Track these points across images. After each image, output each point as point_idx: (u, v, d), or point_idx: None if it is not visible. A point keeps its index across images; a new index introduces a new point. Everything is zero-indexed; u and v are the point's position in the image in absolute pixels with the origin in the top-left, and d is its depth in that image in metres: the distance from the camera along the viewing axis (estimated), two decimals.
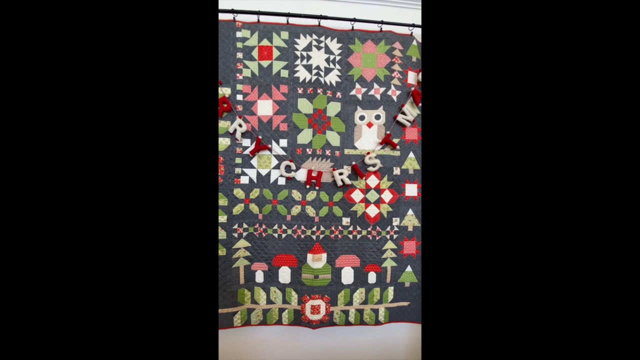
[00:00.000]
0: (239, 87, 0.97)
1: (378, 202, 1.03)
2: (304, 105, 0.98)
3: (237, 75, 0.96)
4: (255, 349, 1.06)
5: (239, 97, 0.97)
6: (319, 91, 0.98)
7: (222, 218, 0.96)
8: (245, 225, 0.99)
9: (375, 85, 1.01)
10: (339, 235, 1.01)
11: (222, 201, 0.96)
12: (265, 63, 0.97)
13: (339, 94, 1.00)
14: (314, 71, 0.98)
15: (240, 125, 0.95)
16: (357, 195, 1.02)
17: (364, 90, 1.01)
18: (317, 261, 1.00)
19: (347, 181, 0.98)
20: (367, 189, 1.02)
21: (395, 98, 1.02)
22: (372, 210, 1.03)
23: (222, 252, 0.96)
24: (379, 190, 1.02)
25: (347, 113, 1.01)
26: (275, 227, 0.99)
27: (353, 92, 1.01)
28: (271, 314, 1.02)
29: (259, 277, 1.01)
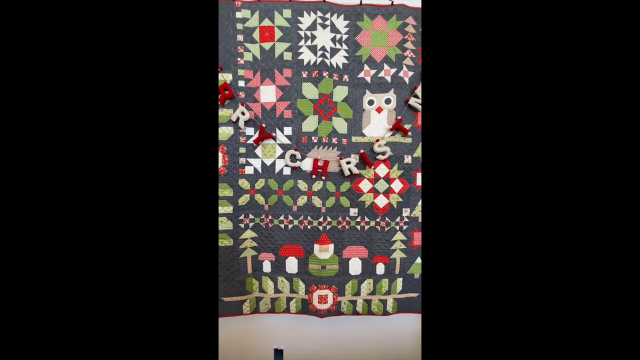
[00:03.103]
0: (240, 72, 0.92)
1: (387, 192, 0.98)
2: (309, 90, 0.92)
3: (238, 59, 0.91)
4: (264, 335, 1.09)
5: (241, 83, 0.93)
6: (324, 74, 0.92)
7: (228, 209, 0.96)
8: (251, 216, 0.98)
9: (386, 66, 0.94)
10: (347, 226, 0.99)
11: (228, 192, 0.95)
12: (267, 45, 0.91)
13: (346, 77, 0.94)
14: (319, 52, 0.91)
15: (243, 113, 0.91)
16: (365, 185, 0.97)
17: (373, 72, 0.94)
18: (324, 252, 0.98)
19: (355, 170, 0.94)
20: (375, 179, 0.97)
21: (407, 80, 0.94)
22: (381, 201, 0.98)
23: (229, 242, 0.97)
24: (388, 179, 0.98)
25: (354, 97, 0.94)
26: (282, 217, 0.98)
27: (361, 75, 0.94)
28: (279, 303, 1.03)
29: (266, 267, 1.01)
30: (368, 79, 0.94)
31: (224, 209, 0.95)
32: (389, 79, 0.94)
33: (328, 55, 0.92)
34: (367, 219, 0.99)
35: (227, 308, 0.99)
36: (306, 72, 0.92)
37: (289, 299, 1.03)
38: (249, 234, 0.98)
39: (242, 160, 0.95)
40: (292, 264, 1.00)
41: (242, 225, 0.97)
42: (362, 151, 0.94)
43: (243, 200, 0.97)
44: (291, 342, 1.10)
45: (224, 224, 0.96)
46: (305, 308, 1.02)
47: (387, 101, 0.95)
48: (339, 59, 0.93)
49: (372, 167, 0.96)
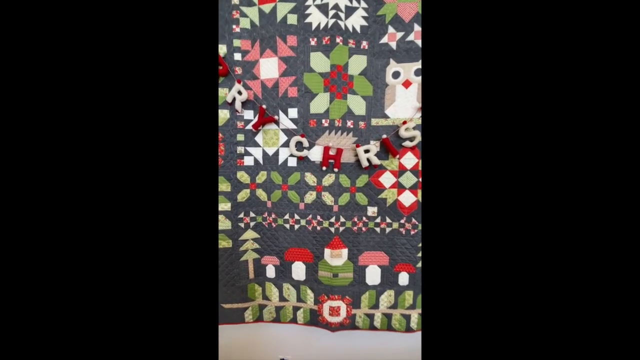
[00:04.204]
0: (236, 42, 0.77)
1: (415, 188, 0.80)
2: (319, 62, 0.75)
3: (234, 27, 0.76)
4: (269, 345, 0.99)
5: (237, 56, 0.77)
6: (337, 40, 0.73)
7: (226, 206, 0.83)
8: (252, 214, 0.85)
9: (417, 27, 0.73)
10: (363, 228, 0.83)
11: (225, 186, 0.82)
12: (267, 7, 0.75)
13: (364, 44, 0.75)
14: (331, 13, 0.73)
15: (239, 93, 0.77)
16: (387, 179, 0.80)
17: (399, 35, 0.74)
18: (336, 257, 0.83)
19: (375, 161, 0.76)
20: (401, 171, 0.79)
21: None
22: (407, 198, 0.80)
23: (227, 243, 0.85)
24: (416, 172, 0.79)
25: (375, 69, 0.76)
26: (287, 216, 0.84)
27: (384, 40, 0.74)
28: (285, 312, 0.91)
29: (270, 272, 0.89)
30: (393, 45, 0.74)
31: (221, 205, 0.83)
32: (420, 43, 0.73)
33: (342, 16, 0.73)
34: (388, 220, 0.82)
35: (227, 315, 0.89)
36: (315, 39, 0.74)
37: (295, 309, 0.90)
38: (249, 234, 0.86)
39: (240, 149, 0.82)
40: (299, 270, 0.87)
41: (242, 225, 0.85)
42: (384, 136, 0.76)
43: (242, 196, 0.83)
44: (299, 353, 0.99)
45: (222, 223, 0.84)
46: (315, 319, 0.89)
47: (418, 72, 0.75)
48: (356, 21, 0.74)
49: (397, 156, 0.78)
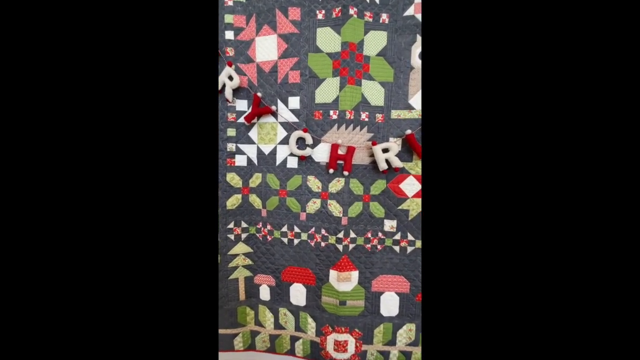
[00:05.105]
0: (228, 18, 0.64)
1: None
2: (327, 39, 0.61)
3: (225, 0, 0.63)
4: None
5: (229, 34, 0.65)
6: (351, 12, 0.59)
7: None
8: (244, 224, 0.72)
9: None
10: (379, 246, 0.67)
11: None
12: None
13: (384, 17, 0.60)
14: None
15: (230, 78, 0.64)
16: (410, 186, 0.64)
17: None
18: (344, 281, 0.68)
19: (396, 162, 0.61)
20: None
21: None
22: None
23: None
24: None
25: (398, 48, 0.61)
26: (285, 228, 0.70)
27: (410, 11, 0.60)
28: (280, 342, 0.77)
29: (264, 293, 0.75)
30: (420, 18, 0.59)
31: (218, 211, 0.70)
32: None
33: None
34: (410, 237, 0.66)
35: None
36: (323, 11, 0.60)
37: (293, 338, 0.76)
38: (240, 248, 0.73)
39: (230, 146, 0.69)
40: (298, 294, 0.73)
41: (232, 237, 0.72)
42: (408, 132, 0.61)
43: (233, 202, 0.70)
44: None
45: None
46: (316, 353, 0.74)
47: None
48: None
49: None
